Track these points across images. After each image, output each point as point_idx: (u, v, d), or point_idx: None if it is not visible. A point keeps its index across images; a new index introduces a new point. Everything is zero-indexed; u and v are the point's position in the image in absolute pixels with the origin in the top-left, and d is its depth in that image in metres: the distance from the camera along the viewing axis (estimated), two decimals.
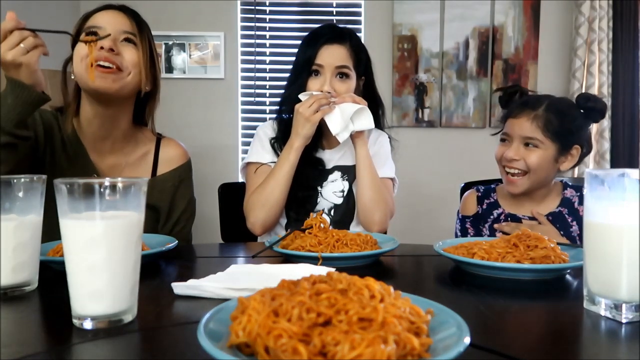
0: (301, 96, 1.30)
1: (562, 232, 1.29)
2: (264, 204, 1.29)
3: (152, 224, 1.25)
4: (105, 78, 1.08)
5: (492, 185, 1.46)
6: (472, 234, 1.41)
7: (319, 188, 1.41)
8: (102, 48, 1.07)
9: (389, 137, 1.52)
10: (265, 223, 1.31)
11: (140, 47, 1.14)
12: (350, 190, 1.41)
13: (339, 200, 1.41)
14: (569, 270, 0.83)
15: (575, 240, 1.30)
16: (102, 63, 1.07)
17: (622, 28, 2.82)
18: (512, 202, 1.37)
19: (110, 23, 1.11)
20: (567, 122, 1.27)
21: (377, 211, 1.32)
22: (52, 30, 0.99)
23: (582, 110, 1.29)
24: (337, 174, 1.43)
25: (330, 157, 1.44)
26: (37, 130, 1.14)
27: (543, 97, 1.32)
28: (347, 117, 1.27)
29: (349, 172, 1.42)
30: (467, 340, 0.42)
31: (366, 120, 1.30)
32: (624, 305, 0.59)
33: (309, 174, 1.38)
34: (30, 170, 1.11)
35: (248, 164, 1.42)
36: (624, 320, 0.59)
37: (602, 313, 0.61)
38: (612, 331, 0.57)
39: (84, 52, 1.08)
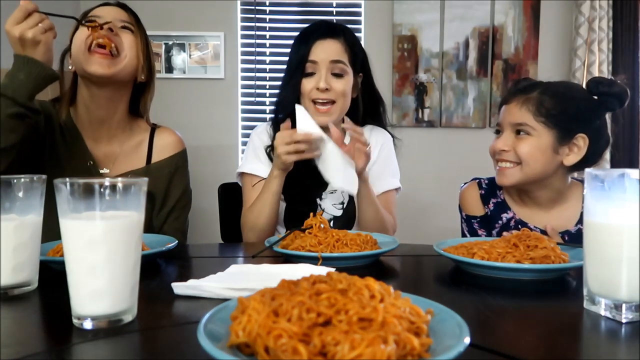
0: (298, 111, 1.17)
1: None
2: (252, 227, 1.28)
3: (147, 212, 1.23)
4: (102, 63, 1.11)
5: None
6: (484, 236, 1.28)
7: (318, 201, 1.37)
8: (101, 28, 1.11)
9: (392, 137, 1.48)
10: (258, 242, 1.29)
11: (137, 34, 1.18)
12: (350, 201, 1.37)
13: (339, 213, 1.37)
14: (568, 270, 0.83)
15: None
16: (100, 41, 1.11)
17: (622, 28, 2.82)
18: (522, 206, 1.25)
19: (108, 14, 1.16)
20: (566, 106, 1.13)
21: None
22: (61, 15, 1.05)
23: (595, 97, 1.15)
24: None
25: None
26: (38, 117, 1.16)
27: (542, 82, 1.20)
28: (335, 168, 1.15)
29: None
30: (467, 340, 0.42)
31: (349, 182, 1.15)
32: (624, 305, 0.59)
33: (307, 186, 1.34)
34: (32, 151, 1.15)
35: (242, 173, 1.39)
36: (624, 320, 0.59)
37: (602, 313, 0.61)
38: (612, 331, 0.57)
39: (82, 36, 1.12)
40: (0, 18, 2.09)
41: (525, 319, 0.63)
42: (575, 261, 0.81)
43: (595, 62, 2.82)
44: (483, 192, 1.30)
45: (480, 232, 1.30)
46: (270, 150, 1.35)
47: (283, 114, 1.36)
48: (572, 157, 1.16)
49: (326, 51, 1.29)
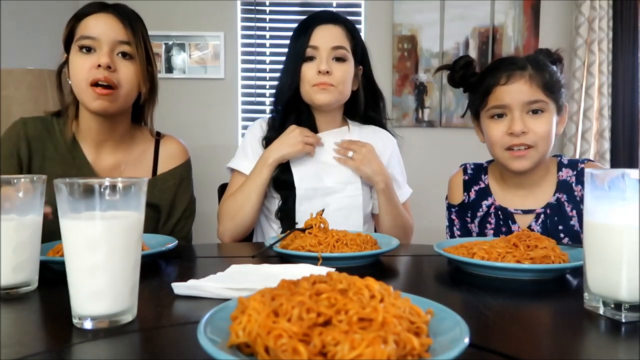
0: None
1: (560, 227, 1.16)
2: (233, 216, 1.27)
3: (153, 223, 1.24)
4: (103, 99, 1.10)
5: (484, 164, 1.29)
6: (457, 226, 1.28)
7: None
8: (99, 66, 1.08)
9: (394, 136, 1.45)
10: (233, 235, 1.28)
11: (137, 57, 1.14)
12: None
13: None
14: (568, 270, 0.83)
15: (577, 235, 1.13)
16: (100, 83, 1.08)
17: (622, 28, 2.82)
18: (504, 189, 1.22)
19: (104, 32, 1.11)
20: (554, 75, 1.12)
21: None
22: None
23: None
24: None
25: None
26: (20, 147, 1.15)
27: (517, 57, 1.16)
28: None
29: None
30: (467, 340, 0.42)
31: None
32: (623, 305, 0.59)
33: None
34: None
35: (229, 167, 1.38)
36: (624, 320, 0.59)
37: (602, 313, 0.61)
38: (612, 331, 0.57)
39: (82, 69, 1.09)
40: (0, 17, 2.08)
41: (525, 319, 0.63)
42: (575, 261, 0.81)
43: (595, 62, 2.82)
44: (467, 177, 1.28)
45: (455, 221, 1.28)
46: (266, 141, 1.33)
47: (282, 102, 1.34)
48: (560, 126, 1.15)
49: (327, 36, 1.27)
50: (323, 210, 1.02)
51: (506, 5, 2.91)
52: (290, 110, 1.34)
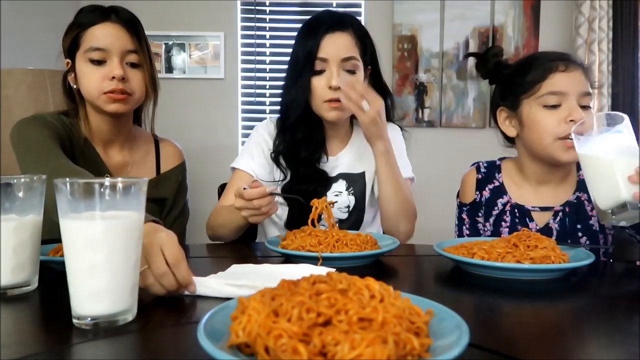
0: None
1: (579, 225, 1.14)
2: (211, 227, 1.24)
3: (155, 216, 1.25)
4: (119, 102, 1.15)
5: (497, 162, 1.26)
6: (467, 225, 1.26)
7: None
8: (113, 78, 1.12)
9: (400, 128, 1.41)
10: (213, 239, 1.25)
11: (144, 64, 1.18)
12: (355, 205, 1.32)
13: (344, 216, 1.31)
14: (568, 270, 0.83)
15: (595, 235, 1.12)
16: (115, 89, 1.13)
17: (622, 28, 2.82)
18: (520, 187, 1.20)
19: (113, 44, 1.13)
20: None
21: (402, 222, 1.22)
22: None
23: None
24: (341, 184, 1.32)
25: (334, 164, 1.33)
26: (61, 135, 1.16)
27: (561, 52, 1.15)
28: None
29: (355, 183, 1.32)
30: (467, 340, 0.42)
31: None
32: (628, 205, 0.75)
33: (311, 191, 1.25)
34: None
35: (233, 167, 1.33)
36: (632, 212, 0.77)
37: (614, 223, 0.80)
38: (611, 331, 0.57)
39: (95, 80, 1.12)
40: (0, 17, 2.08)
41: (525, 319, 0.63)
42: (575, 261, 0.81)
43: (595, 62, 2.81)
44: (480, 176, 1.25)
45: (465, 220, 1.26)
46: (275, 155, 1.29)
47: (293, 117, 1.26)
48: None
49: (336, 46, 1.20)
50: (333, 203, 1.03)
51: (506, 5, 2.91)
52: (300, 121, 1.27)
